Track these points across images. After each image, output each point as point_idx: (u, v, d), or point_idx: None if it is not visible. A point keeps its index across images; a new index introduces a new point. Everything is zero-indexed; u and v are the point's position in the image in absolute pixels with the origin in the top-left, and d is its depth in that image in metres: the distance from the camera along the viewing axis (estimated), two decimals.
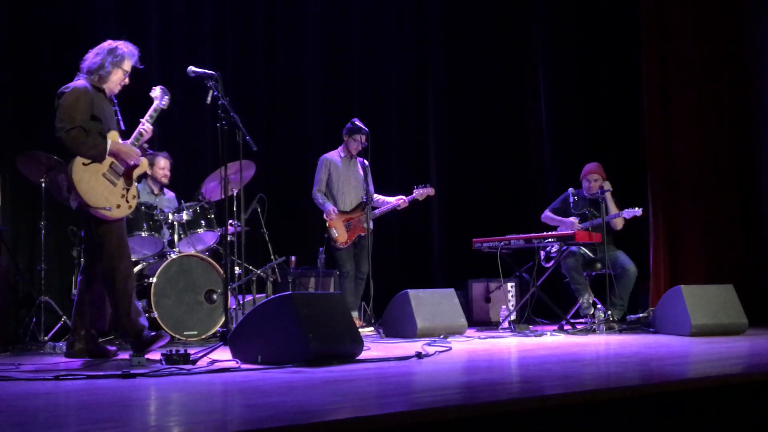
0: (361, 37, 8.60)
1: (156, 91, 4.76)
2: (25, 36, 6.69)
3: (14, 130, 6.59)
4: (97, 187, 4.38)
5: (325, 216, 6.80)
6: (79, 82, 4.52)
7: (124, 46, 4.61)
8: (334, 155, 6.99)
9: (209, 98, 4.91)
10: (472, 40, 9.06)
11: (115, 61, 4.55)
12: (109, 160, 4.44)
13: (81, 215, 4.49)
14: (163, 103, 4.73)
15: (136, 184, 4.62)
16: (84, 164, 4.37)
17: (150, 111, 4.69)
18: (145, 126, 4.62)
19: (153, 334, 4.46)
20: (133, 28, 7.03)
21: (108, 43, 4.60)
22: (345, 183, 6.93)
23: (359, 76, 8.55)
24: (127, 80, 4.62)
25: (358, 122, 6.87)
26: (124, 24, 7.08)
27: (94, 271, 4.54)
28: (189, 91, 6.59)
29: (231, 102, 4.97)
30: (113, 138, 4.48)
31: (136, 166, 4.55)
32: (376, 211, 6.93)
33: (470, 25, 9.06)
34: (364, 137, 6.81)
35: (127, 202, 4.49)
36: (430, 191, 7.08)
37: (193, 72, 4.97)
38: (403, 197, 7.02)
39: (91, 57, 4.58)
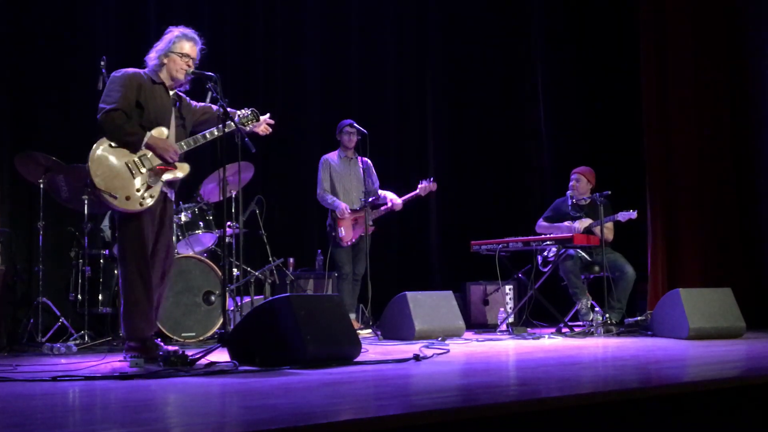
0: (361, 36, 8.60)
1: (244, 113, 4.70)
2: (24, 36, 6.68)
3: (12, 130, 6.58)
4: (112, 171, 4.17)
5: (338, 214, 6.74)
6: (136, 69, 4.37)
7: (175, 30, 4.45)
8: (333, 155, 6.99)
9: (208, 100, 4.90)
10: (472, 42, 9.06)
11: (166, 48, 4.39)
12: (142, 151, 4.26)
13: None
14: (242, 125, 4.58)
15: (163, 187, 4.34)
16: (111, 146, 4.20)
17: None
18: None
19: (173, 350, 4.17)
20: (133, 30, 7.05)
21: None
22: (345, 182, 6.91)
23: (359, 76, 8.55)
24: (189, 63, 4.44)
25: (344, 121, 6.94)
26: (123, 25, 7.09)
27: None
28: (188, 93, 6.58)
29: (230, 103, 4.96)
30: (158, 133, 4.31)
31: (169, 164, 4.32)
32: (377, 212, 6.92)
33: (470, 26, 9.06)
34: (349, 127, 6.83)
35: (141, 198, 4.20)
36: (432, 186, 7.05)
37: (192, 73, 4.95)
38: (398, 202, 6.97)
39: (152, 53, 4.44)
